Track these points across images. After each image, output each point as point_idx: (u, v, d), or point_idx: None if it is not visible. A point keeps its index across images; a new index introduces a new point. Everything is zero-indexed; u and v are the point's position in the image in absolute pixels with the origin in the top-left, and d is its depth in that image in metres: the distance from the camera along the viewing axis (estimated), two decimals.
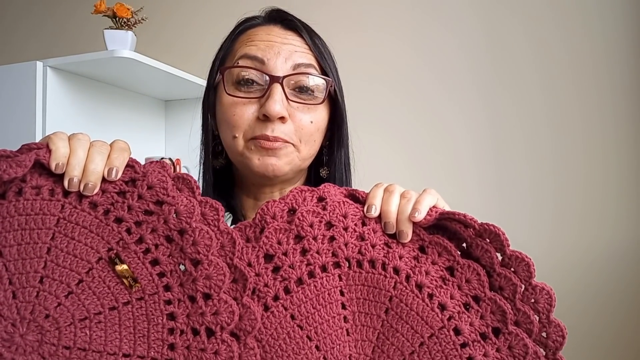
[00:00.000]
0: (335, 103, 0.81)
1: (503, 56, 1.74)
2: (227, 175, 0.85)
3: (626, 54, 1.59)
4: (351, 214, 0.59)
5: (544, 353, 0.55)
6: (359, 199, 0.61)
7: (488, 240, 0.56)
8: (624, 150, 1.58)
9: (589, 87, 1.63)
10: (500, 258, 0.56)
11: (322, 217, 0.58)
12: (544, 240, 1.62)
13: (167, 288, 0.54)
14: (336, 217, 0.58)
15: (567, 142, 1.65)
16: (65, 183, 0.53)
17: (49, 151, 0.53)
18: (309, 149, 0.78)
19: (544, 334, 0.55)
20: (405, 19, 1.87)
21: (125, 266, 0.53)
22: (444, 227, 0.59)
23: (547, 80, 1.67)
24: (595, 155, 1.61)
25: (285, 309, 0.56)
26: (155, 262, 0.54)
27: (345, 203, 0.59)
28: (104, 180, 0.54)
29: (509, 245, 0.55)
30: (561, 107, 1.66)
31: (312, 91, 0.76)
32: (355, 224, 0.58)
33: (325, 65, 0.79)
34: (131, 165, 0.56)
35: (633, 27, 1.59)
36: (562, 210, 1.63)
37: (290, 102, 0.74)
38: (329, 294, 0.57)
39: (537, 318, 0.55)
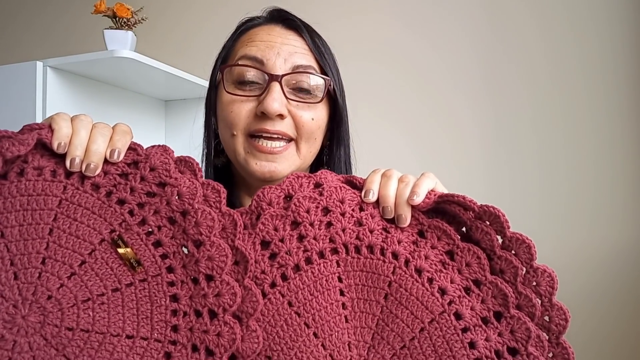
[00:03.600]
0: (335, 102, 0.81)
1: (513, 45, 1.70)
2: (227, 174, 0.85)
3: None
4: (348, 200, 0.58)
5: (547, 337, 0.54)
6: (357, 185, 0.60)
7: (488, 223, 0.55)
8: (635, 147, 1.56)
9: (602, 84, 1.60)
10: (500, 241, 0.55)
11: (318, 203, 0.57)
12: (553, 238, 1.59)
13: (170, 270, 0.54)
14: (333, 202, 0.57)
15: (577, 139, 1.61)
16: (67, 163, 0.53)
17: (52, 131, 0.53)
18: (310, 147, 0.78)
19: (546, 318, 0.54)
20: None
21: (128, 249, 0.53)
22: (442, 210, 0.58)
23: (559, 74, 1.64)
24: (605, 151, 1.58)
25: (283, 295, 0.55)
26: (158, 244, 0.54)
27: (342, 188, 0.58)
28: (106, 161, 0.54)
29: (509, 227, 0.54)
30: (573, 103, 1.62)
31: (311, 90, 0.76)
32: (353, 210, 0.58)
33: (325, 65, 0.79)
34: (133, 148, 0.56)
35: None
36: (571, 208, 1.60)
37: (289, 100, 0.74)
38: (326, 280, 0.56)
39: (539, 301, 0.54)
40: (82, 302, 0.51)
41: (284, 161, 0.75)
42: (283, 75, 0.73)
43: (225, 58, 0.81)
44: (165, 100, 2.06)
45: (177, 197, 0.54)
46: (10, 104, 1.55)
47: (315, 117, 0.76)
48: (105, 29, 1.63)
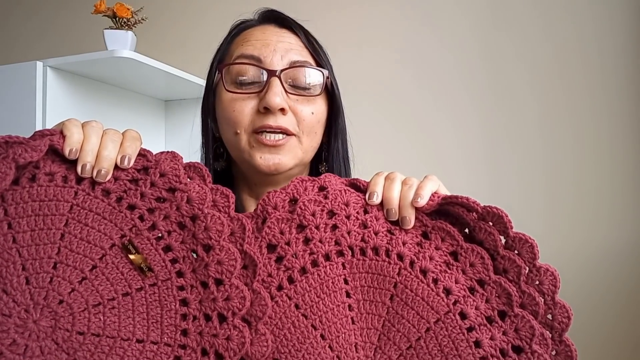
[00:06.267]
0: (331, 96, 0.82)
1: (517, 38, 1.69)
2: (227, 178, 0.86)
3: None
4: (353, 202, 0.58)
5: (550, 335, 0.55)
6: (360, 188, 0.61)
7: (491, 223, 0.56)
8: (638, 147, 1.56)
9: (604, 86, 1.59)
10: (503, 241, 0.56)
11: (323, 206, 0.58)
12: (555, 236, 1.59)
13: (180, 274, 0.54)
14: (338, 205, 0.58)
15: (580, 136, 1.61)
16: (79, 169, 0.54)
17: (63, 137, 0.54)
18: (311, 141, 0.79)
19: (549, 316, 0.55)
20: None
21: (138, 254, 0.53)
22: (446, 212, 0.59)
23: (563, 72, 1.63)
24: (608, 150, 1.57)
25: (290, 298, 0.56)
26: (167, 249, 0.55)
27: (347, 191, 0.59)
28: (116, 167, 0.55)
29: (512, 227, 0.55)
30: (576, 103, 1.62)
31: (310, 84, 0.77)
32: (357, 212, 0.58)
33: (321, 59, 0.80)
34: (143, 154, 0.57)
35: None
36: (574, 206, 1.60)
37: (289, 94, 0.75)
38: (332, 282, 0.56)
39: (543, 300, 0.55)
40: (93, 307, 0.52)
41: (287, 153, 0.75)
42: (282, 70, 0.74)
43: (221, 60, 0.82)
44: (165, 100, 2.06)
45: (186, 202, 0.55)
46: (10, 104, 1.55)
47: (315, 111, 0.77)
48: (105, 29, 1.63)
